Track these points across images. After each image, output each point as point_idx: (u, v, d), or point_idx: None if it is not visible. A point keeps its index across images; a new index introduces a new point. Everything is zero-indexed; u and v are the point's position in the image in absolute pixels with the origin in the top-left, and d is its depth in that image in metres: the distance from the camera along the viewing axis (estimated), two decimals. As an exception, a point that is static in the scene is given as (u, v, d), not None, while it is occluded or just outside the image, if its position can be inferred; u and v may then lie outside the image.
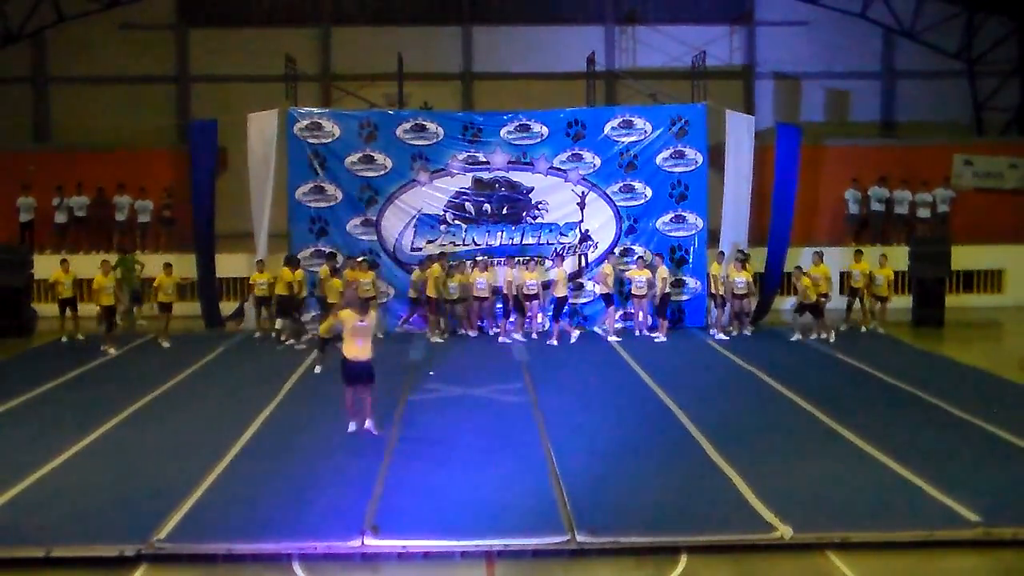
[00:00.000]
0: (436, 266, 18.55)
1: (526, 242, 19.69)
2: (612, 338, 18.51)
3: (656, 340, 18.39)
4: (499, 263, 19.32)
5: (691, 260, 19.80)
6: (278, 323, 18.26)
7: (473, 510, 9.12)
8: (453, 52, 27.00)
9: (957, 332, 19.67)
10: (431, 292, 18.50)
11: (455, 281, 18.58)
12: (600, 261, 19.60)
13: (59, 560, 8.29)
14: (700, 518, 8.97)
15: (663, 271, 18.74)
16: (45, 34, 26.42)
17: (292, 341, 17.89)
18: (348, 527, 8.66)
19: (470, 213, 19.66)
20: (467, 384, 14.59)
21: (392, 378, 15.08)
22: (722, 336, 18.54)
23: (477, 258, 19.14)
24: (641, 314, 19.08)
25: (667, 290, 18.80)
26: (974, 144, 25.48)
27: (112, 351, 17.30)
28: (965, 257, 21.79)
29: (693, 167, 19.68)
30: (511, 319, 18.78)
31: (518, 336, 18.52)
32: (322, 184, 19.45)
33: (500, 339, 18.47)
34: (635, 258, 19.36)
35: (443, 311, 18.86)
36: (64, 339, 18.57)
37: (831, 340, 18.02)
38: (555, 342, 18.08)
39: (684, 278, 19.80)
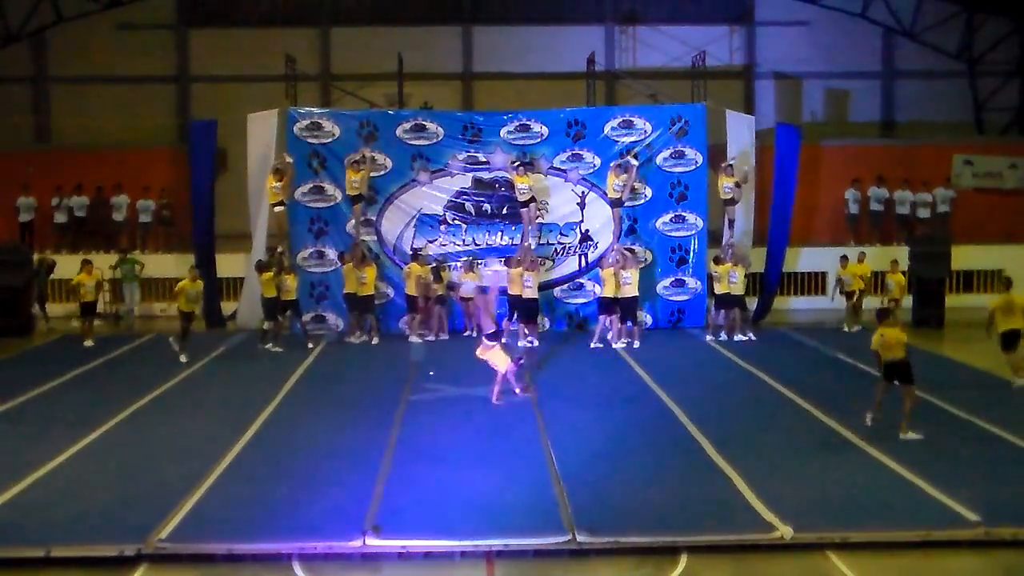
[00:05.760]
0: (414, 265, 18.51)
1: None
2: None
3: (633, 345, 17.72)
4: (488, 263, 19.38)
5: (691, 260, 19.80)
6: (265, 324, 18.18)
7: (473, 510, 9.13)
8: (453, 52, 26.99)
9: (957, 332, 19.62)
10: (410, 291, 18.50)
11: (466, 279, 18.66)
12: (599, 260, 19.59)
13: (59, 560, 8.30)
14: (700, 518, 8.98)
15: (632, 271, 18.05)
16: (45, 34, 26.40)
17: (269, 344, 17.68)
18: (348, 527, 8.66)
19: (470, 213, 19.65)
20: (467, 384, 14.56)
21: (392, 378, 15.15)
22: (725, 336, 18.52)
23: (463, 259, 19.15)
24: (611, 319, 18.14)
25: (635, 293, 18.08)
26: (974, 144, 25.47)
27: (183, 358, 16.34)
28: (965, 257, 21.75)
29: (693, 167, 19.66)
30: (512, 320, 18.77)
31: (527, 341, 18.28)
32: (322, 184, 19.45)
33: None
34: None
35: (430, 311, 18.77)
36: (89, 343, 17.83)
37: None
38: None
39: (684, 278, 19.78)
